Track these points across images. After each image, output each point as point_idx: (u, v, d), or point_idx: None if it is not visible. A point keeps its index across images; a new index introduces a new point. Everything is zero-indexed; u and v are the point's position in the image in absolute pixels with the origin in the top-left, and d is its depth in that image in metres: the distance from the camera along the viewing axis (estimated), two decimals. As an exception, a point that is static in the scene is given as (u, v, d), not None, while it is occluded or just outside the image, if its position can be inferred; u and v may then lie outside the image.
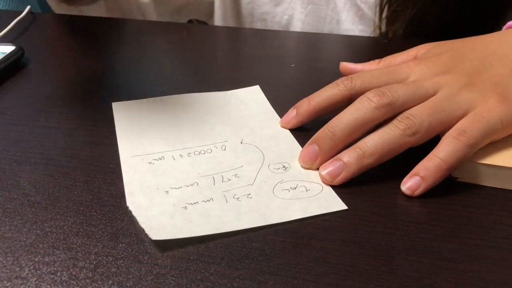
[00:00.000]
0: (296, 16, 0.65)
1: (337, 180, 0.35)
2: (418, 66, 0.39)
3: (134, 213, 0.32)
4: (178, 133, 0.40)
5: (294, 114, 0.40)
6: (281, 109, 0.42)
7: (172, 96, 0.45)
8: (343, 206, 0.33)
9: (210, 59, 0.54)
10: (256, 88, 0.46)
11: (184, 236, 0.30)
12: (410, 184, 0.34)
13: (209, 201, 0.33)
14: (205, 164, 0.37)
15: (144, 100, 0.44)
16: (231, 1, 0.67)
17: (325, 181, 0.35)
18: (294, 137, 0.40)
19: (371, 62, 0.44)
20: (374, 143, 0.35)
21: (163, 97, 0.45)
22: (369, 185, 0.35)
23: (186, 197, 0.34)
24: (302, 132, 0.40)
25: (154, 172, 0.36)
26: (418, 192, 0.33)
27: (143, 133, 0.40)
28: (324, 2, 0.63)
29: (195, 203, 0.33)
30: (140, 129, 0.40)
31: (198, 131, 0.40)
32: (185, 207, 0.33)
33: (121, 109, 0.43)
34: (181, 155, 0.38)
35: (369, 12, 0.61)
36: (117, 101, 0.44)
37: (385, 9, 0.57)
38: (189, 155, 0.38)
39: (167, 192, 0.34)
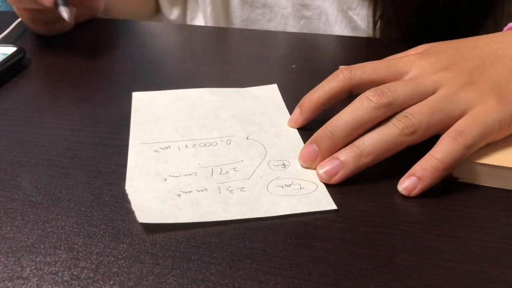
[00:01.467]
0: (288, 30, 0.65)
1: (335, 179, 0.35)
2: (419, 60, 0.39)
3: (130, 196, 0.33)
4: (188, 125, 0.41)
5: (298, 113, 0.41)
6: (290, 108, 0.43)
7: (190, 89, 0.46)
8: (333, 206, 0.33)
9: (212, 60, 0.54)
10: (273, 87, 0.47)
11: (170, 221, 0.31)
12: (406, 184, 0.34)
13: (203, 191, 0.34)
14: (207, 156, 0.38)
15: (163, 91, 0.46)
16: (224, 22, 0.68)
17: (322, 180, 0.35)
18: (301, 136, 0.40)
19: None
20: (372, 143, 0.35)
21: (181, 90, 0.46)
22: (369, 185, 0.35)
23: (181, 185, 0.34)
24: (309, 131, 0.39)
25: (157, 160, 0.37)
26: (414, 192, 0.34)
27: (156, 122, 0.41)
28: (315, 15, 0.63)
29: (189, 192, 0.34)
30: (154, 118, 0.42)
31: (208, 124, 0.41)
32: (179, 195, 0.33)
33: (140, 99, 0.45)
34: (186, 146, 0.38)
35: (361, 23, 0.61)
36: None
37: (378, 22, 0.58)
38: (194, 146, 0.38)
39: (165, 179, 0.35)
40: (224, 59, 0.55)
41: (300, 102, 0.41)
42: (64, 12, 0.48)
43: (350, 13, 0.61)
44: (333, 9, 0.62)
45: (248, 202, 0.33)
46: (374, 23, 0.58)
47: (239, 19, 0.66)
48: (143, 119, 0.42)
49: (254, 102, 0.44)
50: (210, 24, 0.68)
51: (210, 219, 0.32)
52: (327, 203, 0.33)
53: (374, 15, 0.58)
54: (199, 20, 0.72)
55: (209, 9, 0.66)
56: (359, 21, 0.61)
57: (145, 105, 0.44)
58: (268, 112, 0.43)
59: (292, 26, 0.65)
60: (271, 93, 0.46)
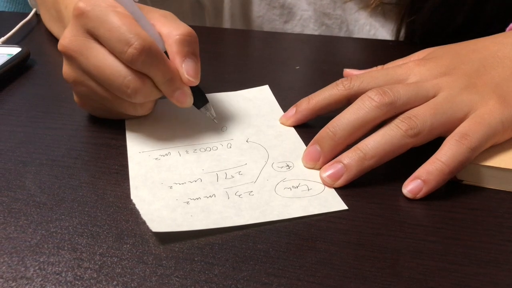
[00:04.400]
0: (307, 33, 0.65)
1: (338, 183, 0.35)
2: (417, 67, 0.39)
3: (137, 206, 0.33)
4: (185, 131, 0.41)
5: (293, 112, 0.41)
6: (286, 109, 0.43)
7: None
8: (344, 206, 0.33)
9: (216, 61, 0.54)
10: (265, 88, 0.47)
11: (184, 229, 0.31)
12: (411, 187, 0.34)
13: (211, 197, 0.34)
14: (210, 161, 0.37)
15: None
16: (240, 14, 0.67)
17: (326, 184, 0.35)
18: (300, 136, 0.40)
19: (374, 68, 0.44)
20: (376, 145, 0.34)
21: None
22: (373, 187, 0.35)
23: (189, 192, 0.34)
24: (308, 131, 0.40)
25: (159, 167, 0.37)
26: (419, 195, 0.33)
27: (152, 130, 0.41)
28: (336, 25, 0.63)
29: (197, 199, 0.34)
30: (149, 125, 0.41)
31: (205, 129, 0.41)
32: (187, 202, 0.33)
33: None
34: (187, 152, 0.38)
35: (388, 35, 0.60)
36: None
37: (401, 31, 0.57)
38: (195, 151, 0.38)
39: (170, 187, 0.35)
40: (230, 60, 0.55)
41: (297, 103, 0.41)
42: (211, 116, 0.40)
43: (377, 23, 0.60)
44: (351, 19, 0.61)
45: (259, 206, 0.33)
46: (398, 30, 0.58)
47: (255, 14, 0.65)
48: (138, 127, 0.41)
49: (248, 104, 0.44)
50: (226, 19, 0.67)
51: (224, 225, 0.31)
52: (337, 204, 0.33)
53: (398, 29, 0.58)
54: None
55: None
56: (385, 33, 0.60)
57: None
58: (263, 114, 0.43)
59: (312, 30, 0.64)
60: (263, 94, 0.46)
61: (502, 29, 0.44)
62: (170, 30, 0.37)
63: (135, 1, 0.38)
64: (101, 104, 0.39)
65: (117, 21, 0.35)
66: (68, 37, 0.37)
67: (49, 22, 0.57)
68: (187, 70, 0.37)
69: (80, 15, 0.36)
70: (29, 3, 0.62)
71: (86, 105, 0.41)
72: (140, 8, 0.38)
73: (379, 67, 0.43)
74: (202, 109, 0.40)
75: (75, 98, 0.41)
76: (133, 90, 0.36)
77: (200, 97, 0.40)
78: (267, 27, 0.66)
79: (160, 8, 0.40)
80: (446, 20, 0.53)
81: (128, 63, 0.35)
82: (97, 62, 0.36)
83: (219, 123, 0.41)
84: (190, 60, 0.37)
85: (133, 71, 0.36)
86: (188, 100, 0.38)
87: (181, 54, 0.37)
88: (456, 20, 0.53)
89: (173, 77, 0.37)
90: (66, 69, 0.39)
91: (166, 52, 0.37)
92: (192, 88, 0.38)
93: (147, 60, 0.35)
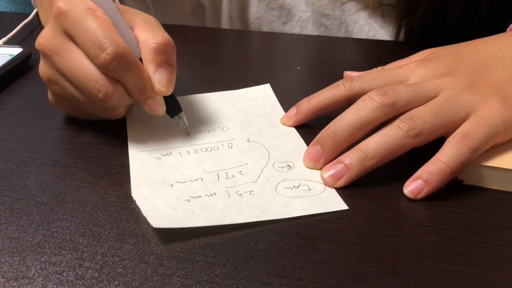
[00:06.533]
0: (306, 34, 0.65)
1: (340, 183, 0.35)
2: (418, 68, 0.39)
3: (138, 203, 0.33)
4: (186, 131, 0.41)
5: (294, 112, 0.41)
6: (287, 109, 0.43)
7: (184, 96, 0.45)
8: (344, 206, 0.33)
9: (217, 61, 0.54)
10: (266, 87, 0.47)
11: (185, 226, 0.31)
12: (412, 187, 0.34)
13: (212, 195, 0.34)
14: (211, 160, 0.37)
15: None
16: (238, 16, 0.67)
17: (327, 184, 0.35)
18: (301, 136, 0.40)
19: (374, 69, 0.44)
20: (377, 145, 0.34)
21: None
22: (374, 187, 0.35)
23: (189, 191, 0.34)
24: (309, 131, 0.40)
25: (160, 166, 0.37)
26: (420, 195, 0.33)
27: (153, 130, 0.41)
28: (335, 26, 0.63)
29: (198, 197, 0.34)
30: (150, 125, 0.41)
31: (206, 129, 0.41)
32: (188, 200, 0.33)
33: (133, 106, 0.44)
34: (188, 152, 0.38)
35: (387, 36, 0.60)
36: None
37: (401, 31, 0.57)
38: (196, 151, 0.38)
39: (171, 185, 0.35)
40: (231, 60, 0.55)
41: (298, 103, 0.41)
42: (183, 125, 0.40)
43: (377, 25, 0.60)
44: (350, 20, 0.61)
45: (260, 206, 0.33)
46: (398, 31, 0.58)
47: (253, 15, 0.65)
48: (139, 126, 0.41)
49: (249, 103, 0.44)
50: (224, 21, 0.67)
51: (225, 223, 0.31)
52: (338, 204, 0.33)
53: (398, 30, 0.58)
54: None
55: (224, 1, 0.66)
56: (385, 35, 0.60)
57: (139, 113, 0.42)
58: (265, 113, 0.43)
59: (311, 31, 0.64)
60: (264, 93, 0.46)
61: (501, 26, 0.44)
62: (147, 37, 0.37)
63: (115, 2, 0.38)
64: (74, 105, 0.39)
65: (94, 25, 0.35)
66: (46, 36, 0.37)
67: (46, 23, 0.57)
68: (159, 80, 0.37)
69: (59, 15, 0.36)
70: (33, 4, 0.62)
71: (60, 105, 0.41)
72: (122, 11, 0.38)
73: (380, 68, 0.43)
74: (175, 118, 0.40)
75: (50, 97, 0.41)
76: (104, 95, 0.36)
77: (173, 106, 0.39)
78: (265, 29, 0.66)
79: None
80: (442, 18, 0.53)
81: (100, 68, 0.35)
82: (71, 63, 0.36)
83: (220, 122, 0.42)
84: (163, 70, 0.37)
85: (106, 75, 0.36)
86: (160, 109, 0.38)
87: (155, 63, 0.37)
88: (452, 17, 0.53)
89: (145, 85, 0.37)
90: (42, 67, 0.39)
91: (142, 59, 0.37)
92: (166, 96, 0.38)
93: (120, 66, 0.35)
